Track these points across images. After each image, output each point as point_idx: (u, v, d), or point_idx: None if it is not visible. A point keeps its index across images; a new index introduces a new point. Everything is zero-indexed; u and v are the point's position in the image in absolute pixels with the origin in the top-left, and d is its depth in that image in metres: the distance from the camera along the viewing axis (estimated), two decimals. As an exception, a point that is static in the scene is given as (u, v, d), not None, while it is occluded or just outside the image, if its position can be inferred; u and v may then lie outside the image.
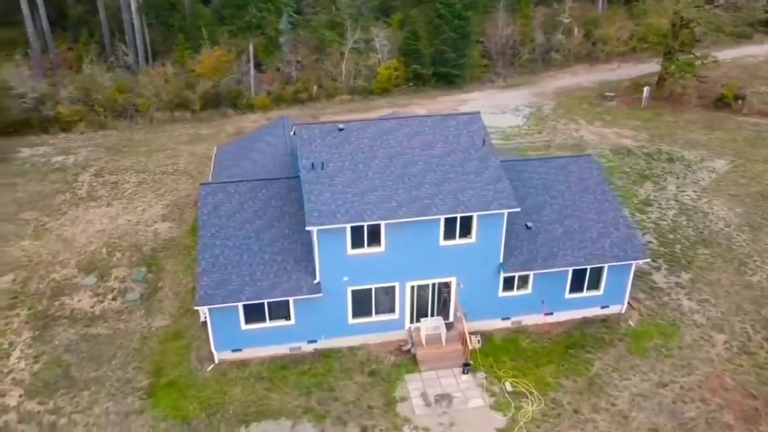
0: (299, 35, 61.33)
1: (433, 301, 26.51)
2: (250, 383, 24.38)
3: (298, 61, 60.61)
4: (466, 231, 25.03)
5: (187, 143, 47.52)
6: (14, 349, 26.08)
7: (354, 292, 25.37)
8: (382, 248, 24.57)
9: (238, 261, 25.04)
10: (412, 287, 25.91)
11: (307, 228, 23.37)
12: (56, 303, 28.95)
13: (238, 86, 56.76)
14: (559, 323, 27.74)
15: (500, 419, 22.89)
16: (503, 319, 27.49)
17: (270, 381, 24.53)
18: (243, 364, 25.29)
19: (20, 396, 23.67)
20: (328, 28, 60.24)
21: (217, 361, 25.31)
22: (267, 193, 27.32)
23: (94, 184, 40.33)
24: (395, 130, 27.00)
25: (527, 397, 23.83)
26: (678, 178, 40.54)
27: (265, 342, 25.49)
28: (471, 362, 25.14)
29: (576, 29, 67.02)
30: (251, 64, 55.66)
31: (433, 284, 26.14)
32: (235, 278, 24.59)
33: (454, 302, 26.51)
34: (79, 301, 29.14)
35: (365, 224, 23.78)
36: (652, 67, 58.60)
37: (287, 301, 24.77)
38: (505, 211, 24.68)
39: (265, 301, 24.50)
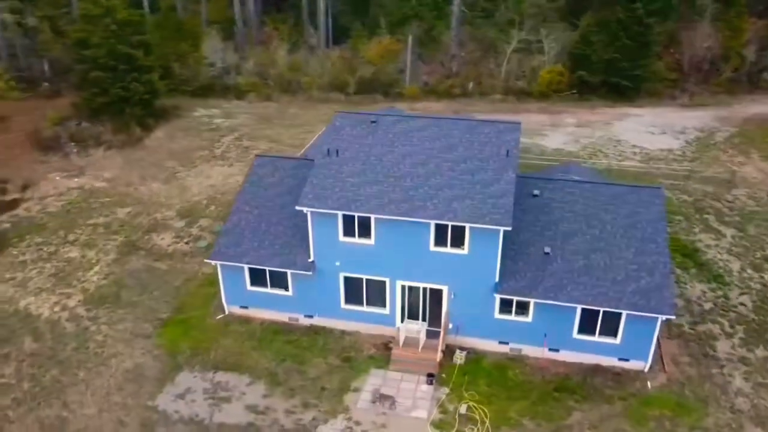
0: (470, 30, 61.53)
1: (424, 306, 26.14)
2: (241, 338, 26.88)
3: (462, 56, 61.07)
4: (458, 241, 24.20)
5: (327, 122, 51.36)
6: (97, 265, 32.13)
7: (346, 279, 26.22)
8: (371, 241, 25.00)
9: (255, 228, 27.54)
10: (403, 287, 25.87)
11: (296, 207, 24.87)
12: (145, 237, 34.65)
13: (398, 75, 59.29)
14: (563, 363, 25.28)
15: (432, 436, 22.18)
16: (501, 342, 25.93)
17: (258, 341, 26.75)
18: (246, 320, 27.89)
19: (78, 301, 29.35)
20: (496, 25, 59.31)
21: (226, 313, 28.28)
22: (305, 172, 29.15)
23: (231, 146, 46.31)
24: (424, 128, 26.88)
25: (476, 425, 22.53)
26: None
27: (267, 306, 27.74)
28: (435, 374, 24.43)
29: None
30: (408, 55, 57.62)
31: (424, 288, 25.75)
32: (246, 242, 27.16)
33: (445, 312, 25.81)
34: (162, 239, 34.48)
35: (354, 214, 24.43)
36: None
37: (285, 273, 26.61)
38: (500, 228, 23.28)
39: (266, 269, 26.66)
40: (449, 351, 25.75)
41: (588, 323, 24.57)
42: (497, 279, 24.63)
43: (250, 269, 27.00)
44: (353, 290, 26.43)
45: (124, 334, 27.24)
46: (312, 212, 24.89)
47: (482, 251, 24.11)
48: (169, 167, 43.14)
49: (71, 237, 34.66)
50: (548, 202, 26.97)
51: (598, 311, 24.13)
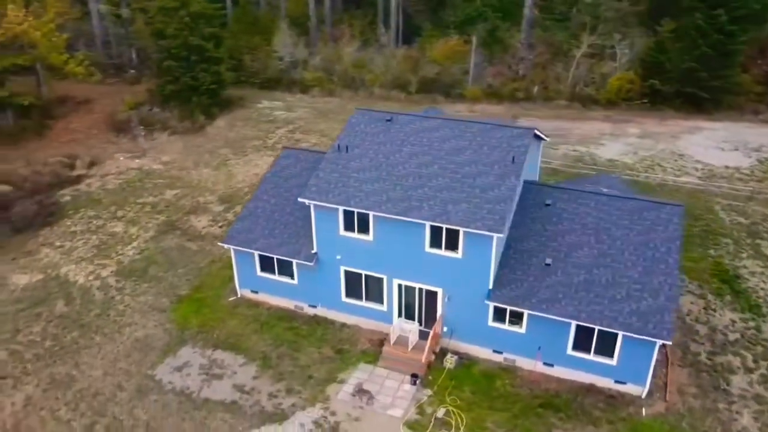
0: (540, 33, 59.98)
1: (420, 306, 26.11)
2: (246, 321, 28.04)
3: (530, 59, 59.65)
4: (452, 244, 24.02)
5: (381, 119, 51.95)
6: (135, 240, 34.49)
7: (346, 273, 26.67)
8: (370, 238, 25.30)
9: (268, 216, 28.59)
10: (400, 285, 25.97)
11: (299, 199, 25.60)
12: (184, 218, 36.75)
13: (462, 76, 58.87)
14: (557, 378, 24.46)
15: (403, 436, 22.23)
16: (495, 351, 25.46)
17: (261, 325, 27.79)
18: (255, 304, 29.03)
19: (111, 272, 31.68)
20: (567, 29, 57.38)
21: (238, 296, 29.56)
22: (325, 166, 29.96)
23: (283, 137, 47.92)
24: (436, 129, 26.82)
25: (450, 430, 22.33)
26: None
27: (274, 292, 28.73)
28: (419, 375, 24.39)
29: None
30: (472, 56, 57.04)
31: (420, 289, 25.73)
32: (258, 229, 28.27)
33: (439, 315, 25.68)
34: (198, 221, 36.44)
35: (353, 210, 24.83)
36: None
37: (291, 262, 27.45)
38: (493, 235, 22.87)
39: (274, 257, 27.62)
40: (443, 354, 25.62)
41: (583, 340, 23.64)
42: (491, 286, 24.22)
43: (260, 256, 28.06)
44: (353, 284, 26.85)
45: (143, 306, 29.15)
46: (314, 205, 25.55)
47: (476, 256, 23.79)
48: (222, 154, 45.32)
49: (120, 213, 37.38)
50: (559, 212, 26.13)
51: (593, 329, 23.17)
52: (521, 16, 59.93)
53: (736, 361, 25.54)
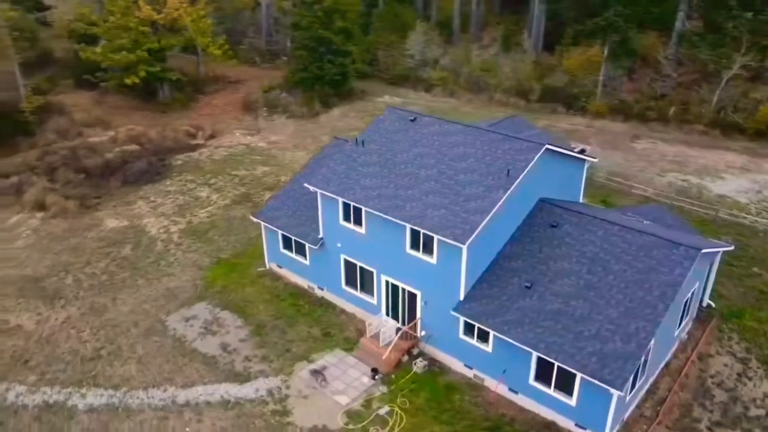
0: (687, 49, 54.16)
1: (403, 306, 26.27)
2: (262, 290, 30.43)
3: (673, 77, 54.28)
4: (428, 249, 23.95)
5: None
6: (211, 206, 38.76)
7: (345, 261, 27.72)
8: (363, 230, 26.08)
9: (297, 198, 30.58)
10: (387, 282, 26.37)
11: (304, 184, 27.15)
12: (261, 192, 40.28)
13: (594, 88, 55.56)
14: (519, 407, 23.24)
15: (337, 422, 22.82)
16: (466, 365, 24.82)
17: (272, 296, 29.98)
18: (277, 278, 31.33)
19: (179, 229, 36.12)
20: (718, 46, 51.01)
21: (267, 267, 32.08)
22: (360, 159, 31.13)
23: (383, 131, 49.57)
24: (451, 134, 26.64)
25: (383, 429, 22.51)
26: None
27: (293, 269, 30.73)
28: (379, 370, 24.69)
29: None
30: (602, 68, 53.44)
31: (403, 289, 25.88)
32: (285, 208, 30.44)
33: (418, 317, 25.65)
34: (263, 196, 39.68)
35: (348, 202, 25.78)
36: None
37: (304, 243, 29.19)
38: (461, 246, 22.41)
39: (292, 238, 29.57)
40: (419, 357, 25.64)
41: (545, 372, 22.17)
42: (461, 297, 23.70)
43: (282, 233, 30.22)
44: (350, 273, 27.82)
45: (188, 261, 32.99)
46: (320, 193, 26.97)
47: (448, 265, 23.46)
48: (322, 141, 47.88)
49: (212, 181, 42.13)
50: (563, 236, 24.56)
51: (553, 363, 21.61)
52: (668, 29, 54.76)
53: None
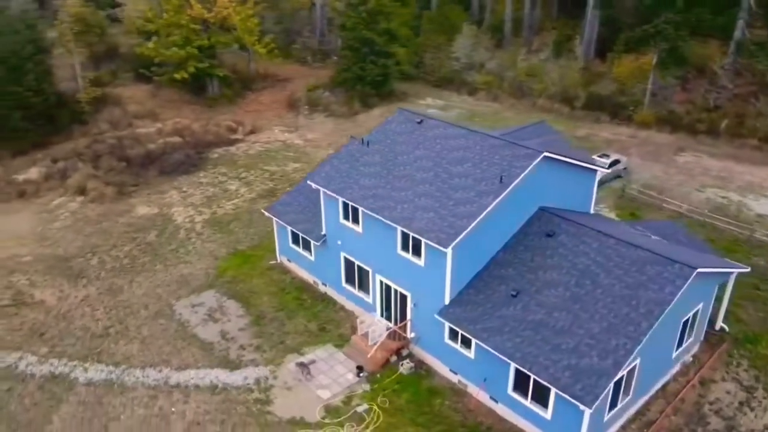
0: (747, 60, 51.34)
1: (395, 306, 26.37)
2: (268, 283, 31.25)
3: (729, 88, 51.61)
4: (417, 251, 23.99)
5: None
6: (237, 198, 40.06)
7: (345, 259, 28.09)
8: (360, 229, 26.40)
9: (308, 195, 31.13)
10: (381, 281, 26.55)
11: (308, 182, 27.70)
12: (287, 188, 41.17)
13: (641, 97, 53.60)
14: (499, 417, 22.95)
15: (314, 415, 23.22)
16: (451, 370, 24.69)
17: (278, 289, 30.75)
18: (286, 272, 32.12)
19: (203, 219, 37.55)
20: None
21: (278, 260, 32.91)
22: (372, 159, 31.43)
23: (417, 133, 49.61)
24: (454, 138, 26.58)
25: (359, 426, 22.75)
26: None
27: (300, 264, 31.41)
28: (365, 369, 24.92)
29: None
30: (651, 77, 51.40)
31: (395, 290, 26.00)
32: (295, 204, 31.16)
33: (408, 319, 25.72)
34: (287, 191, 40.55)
35: (345, 201, 26.16)
36: None
37: (309, 239, 29.79)
38: (446, 250, 22.34)
39: (300, 234, 30.23)
40: (407, 359, 25.76)
41: (522, 383, 21.77)
42: (447, 301, 23.62)
43: (290, 229, 30.94)
44: (349, 271, 28.18)
45: (205, 251, 34.29)
46: (322, 191, 27.48)
47: (435, 268, 23.44)
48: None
49: (243, 175, 43.52)
50: (556, 246, 24.05)
51: (529, 375, 21.20)
52: (729, 38, 52.05)
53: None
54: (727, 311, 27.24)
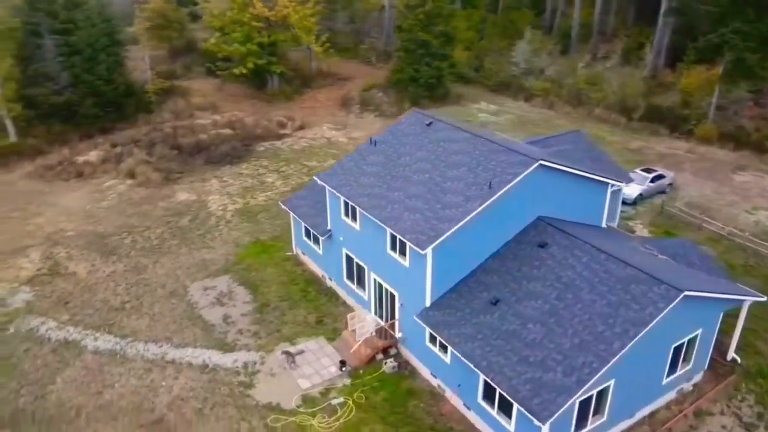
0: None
1: (386, 304, 26.55)
2: (281, 273, 32.24)
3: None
4: (403, 251, 24.11)
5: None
6: (272, 191, 41.44)
7: (346, 255, 28.58)
8: (358, 227, 26.81)
9: (321, 190, 31.81)
10: (375, 280, 26.81)
11: (314, 177, 28.37)
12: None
13: (708, 111, 50.61)
14: (469, 423, 22.75)
15: (290, 403, 23.86)
16: (432, 374, 24.61)
17: (288, 280, 31.68)
18: (299, 263, 33.03)
19: (235, 208, 39.17)
20: None
21: (293, 252, 33.89)
22: (388, 159, 31.72)
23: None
24: (457, 141, 26.45)
25: (327, 419, 23.19)
26: None
27: (312, 257, 32.20)
28: (348, 363, 25.32)
29: None
30: (717, 89, 48.35)
31: (386, 289, 26.18)
32: (309, 198, 31.99)
33: (396, 318, 25.85)
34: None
35: (343, 198, 26.66)
36: None
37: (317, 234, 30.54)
38: (423, 252, 22.33)
39: (311, 229, 31.01)
40: (392, 358, 25.96)
41: (490, 392, 21.42)
42: (428, 304, 23.60)
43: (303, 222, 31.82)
44: (350, 267, 28.64)
45: (229, 238, 35.83)
46: (327, 187, 28.11)
47: (417, 269, 23.49)
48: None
49: (283, 168, 44.96)
50: (545, 257, 23.47)
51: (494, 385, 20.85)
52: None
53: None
54: (741, 341, 25.47)
